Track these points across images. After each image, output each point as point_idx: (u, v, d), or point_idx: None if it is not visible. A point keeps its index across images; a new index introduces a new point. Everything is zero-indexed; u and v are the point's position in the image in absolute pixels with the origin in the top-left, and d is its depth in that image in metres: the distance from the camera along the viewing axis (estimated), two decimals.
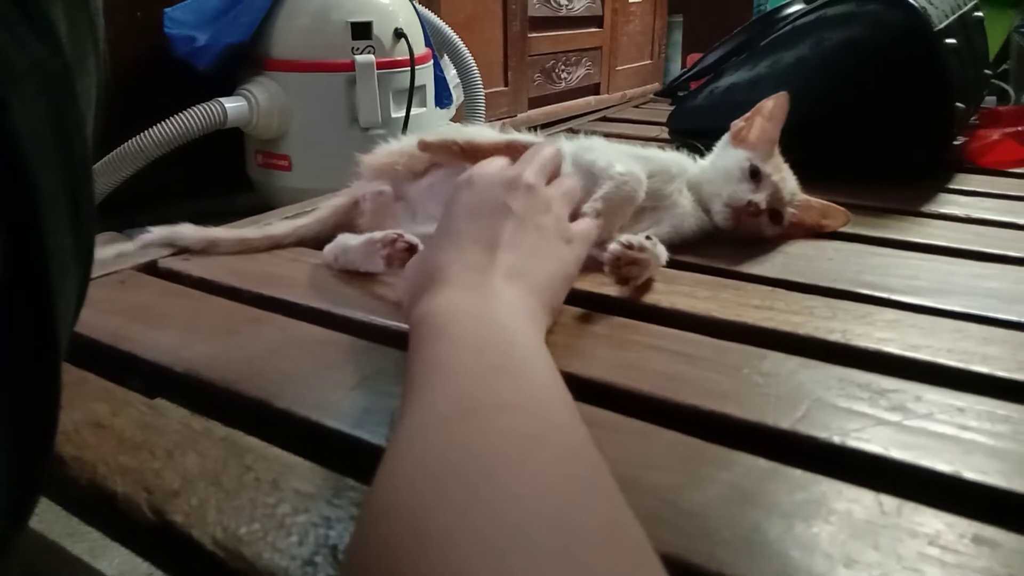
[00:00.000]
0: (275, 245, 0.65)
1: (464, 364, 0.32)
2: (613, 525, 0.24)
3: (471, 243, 0.43)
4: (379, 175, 0.64)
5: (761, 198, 0.61)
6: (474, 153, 0.59)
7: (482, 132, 0.65)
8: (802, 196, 0.65)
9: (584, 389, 0.34)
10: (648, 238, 0.53)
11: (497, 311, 0.38)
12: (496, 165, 0.50)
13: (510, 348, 0.35)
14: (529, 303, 0.40)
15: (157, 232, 0.63)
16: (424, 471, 0.26)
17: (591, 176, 0.58)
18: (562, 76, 2.30)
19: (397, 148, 0.65)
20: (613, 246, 0.52)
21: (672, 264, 0.60)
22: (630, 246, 0.52)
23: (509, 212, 0.45)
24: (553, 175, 0.52)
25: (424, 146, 0.60)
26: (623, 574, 0.22)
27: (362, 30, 1.41)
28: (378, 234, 0.56)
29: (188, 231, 0.63)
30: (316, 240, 0.65)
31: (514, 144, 0.59)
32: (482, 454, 0.26)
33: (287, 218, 0.71)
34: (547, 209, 0.47)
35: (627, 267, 0.52)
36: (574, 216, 0.52)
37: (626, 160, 0.60)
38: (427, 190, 0.62)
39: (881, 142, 0.85)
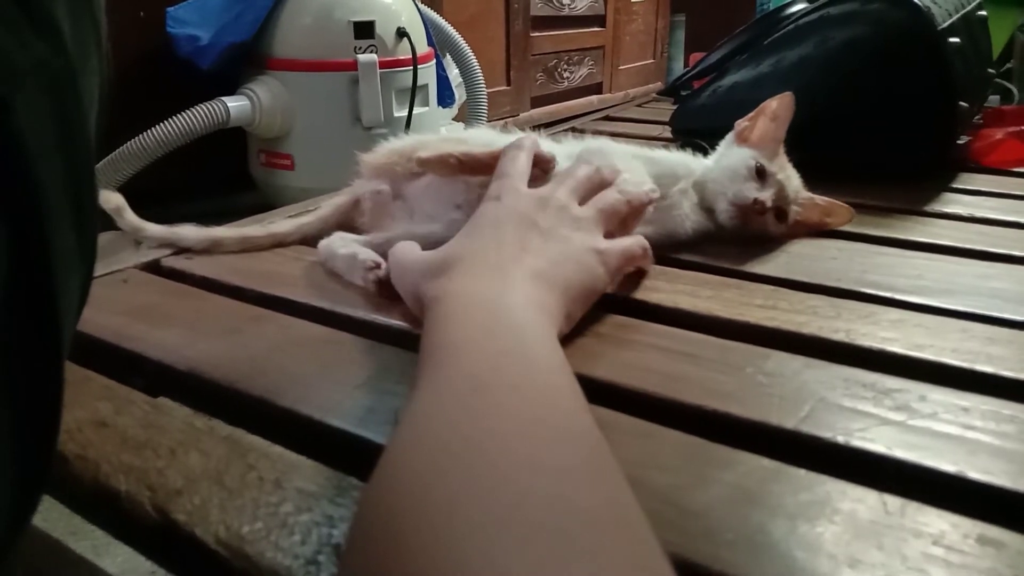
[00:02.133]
0: (278, 243, 0.65)
1: (475, 346, 0.33)
2: (610, 504, 0.25)
3: (495, 245, 0.43)
4: (378, 174, 0.64)
5: (767, 196, 0.61)
6: (471, 165, 0.59)
7: (483, 134, 0.65)
8: (806, 194, 0.65)
9: (587, 388, 0.34)
10: None
11: (512, 299, 0.38)
12: (518, 173, 0.50)
13: (521, 334, 0.35)
14: (547, 300, 0.41)
15: (156, 232, 0.63)
16: (426, 448, 0.26)
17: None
18: (565, 75, 2.30)
19: (397, 147, 0.65)
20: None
21: (675, 263, 0.60)
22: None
23: (535, 225, 0.45)
24: (591, 193, 0.51)
25: (422, 163, 0.60)
26: (615, 552, 0.22)
27: (365, 29, 1.41)
28: (361, 253, 0.56)
29: (188, 232, 0.63)
30: (319, 238, 0.65)
31: None
32: (489, 429, 0.27)
33: (290, 216, 0.71)
34: (577, 226, 0.47)
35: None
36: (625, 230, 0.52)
37: (636, 166, 0.59)
38: (425, 190, 0.62)
39: (885, 141, 0.84)
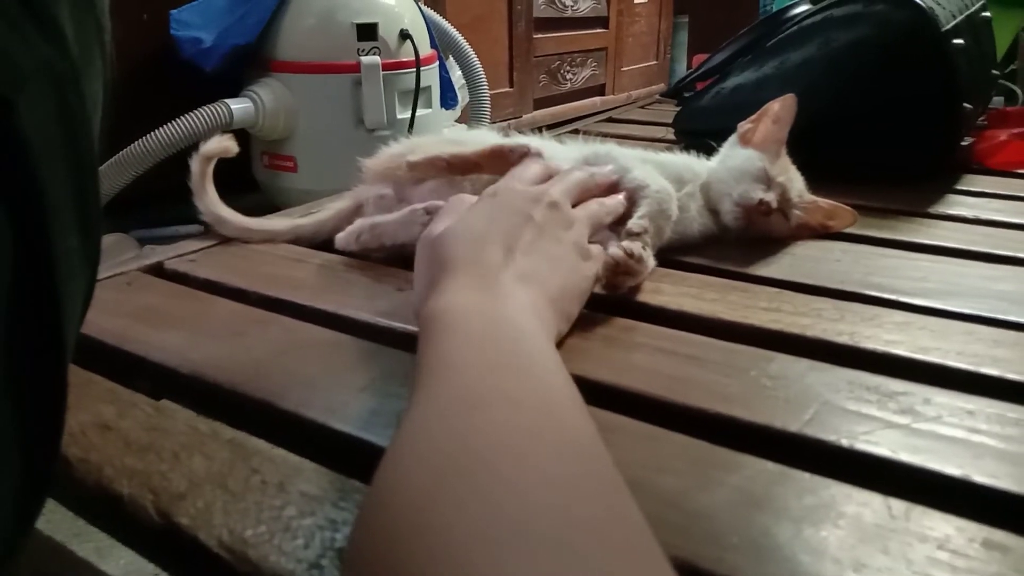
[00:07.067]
0: (270, 239, 0.66)
1: (470, 360, 0.33)
2: (612, 516, 0.24)
3: (488, 242, 0.43)
4: (381, 178, 0.65)
5: (772, 196, 0.61)
6: (460, 165, 0.60)
7: (484, 136, 0.65)
8: (809, 196, 0.65)
9: (591, 391, 0.34)
10: (644, 247, 0.53)
11: (506, 309, 0.38)
12: (526, 178, 0.51)
13: (517, 346, 0.35)
14: (540, 304, 0.40)
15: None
16: (426, 463, 0.26)
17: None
18: (567, 77, 2.30)
19: (399, 151, 0.65)
20: (614, 251, 0.50)
21: (679, 266, 0.59)
22: (631, 254, 0.51)
23: (529, 220, 0.45)
24: (581, 198, 0.52)
25: (412, 166, 0.61)
26: (620, 563, 0.22)
27: (367, 31, 1.41)
28: (419, 205, 0.58)
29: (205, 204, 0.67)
30: (312, 240, 0.66)
31: (500, 150, 0.59)
32: (483, 447, 0.26)
33: (301, 216, 0.71)
34: (568, 225, 0.48)
35: (622, 276, 0.51)
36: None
37: (650, 170, 0.59)
38: (429, 194, 0.62)
39: (888, 143, 0.84)
